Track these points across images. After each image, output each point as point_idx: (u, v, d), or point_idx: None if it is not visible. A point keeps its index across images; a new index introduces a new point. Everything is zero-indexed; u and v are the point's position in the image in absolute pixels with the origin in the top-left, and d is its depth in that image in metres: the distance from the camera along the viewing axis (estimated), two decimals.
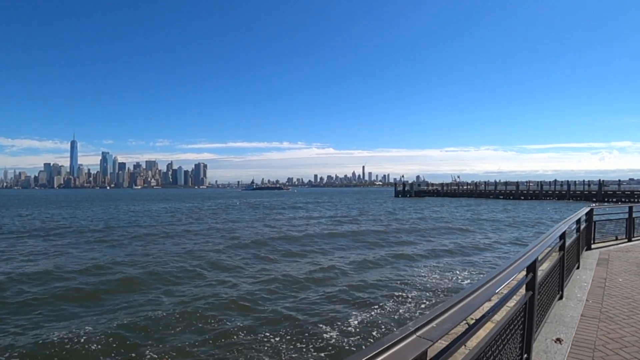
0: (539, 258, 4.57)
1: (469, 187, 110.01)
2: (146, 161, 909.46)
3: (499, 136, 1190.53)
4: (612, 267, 9.99)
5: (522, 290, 4.39)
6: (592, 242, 12.69)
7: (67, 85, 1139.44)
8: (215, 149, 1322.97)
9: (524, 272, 4.33)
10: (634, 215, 15.90)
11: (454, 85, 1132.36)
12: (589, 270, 9.52)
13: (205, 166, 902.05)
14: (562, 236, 6.95)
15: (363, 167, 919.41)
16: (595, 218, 13.49)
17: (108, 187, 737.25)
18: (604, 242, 13.64)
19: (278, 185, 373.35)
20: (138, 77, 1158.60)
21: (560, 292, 7.03)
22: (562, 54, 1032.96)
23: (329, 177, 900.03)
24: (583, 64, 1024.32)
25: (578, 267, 9.63)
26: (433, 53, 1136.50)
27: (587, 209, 11.83)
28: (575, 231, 9.49)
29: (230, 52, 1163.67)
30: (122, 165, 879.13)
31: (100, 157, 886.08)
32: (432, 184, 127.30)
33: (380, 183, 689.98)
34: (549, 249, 6.46)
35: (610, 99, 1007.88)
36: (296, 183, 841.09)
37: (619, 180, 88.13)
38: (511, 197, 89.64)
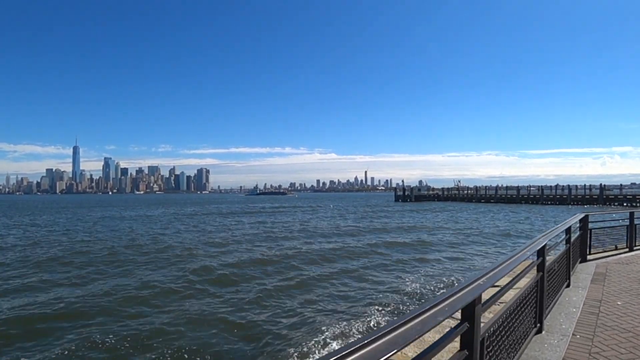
0: (483, 298, 2.98)
1: (469, 191, 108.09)
2: (148, 166, 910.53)
3: (501, 141, 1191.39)
4: (609, 284, 8.42)
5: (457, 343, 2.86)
6: (587, 252, 11.11)
7: (70, 91, 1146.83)
8: (218, 155, 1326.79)
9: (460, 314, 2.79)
10: (635, 222, 14.48)
11: (455, 91, 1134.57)
12: (581, 290, 7.94)
13: (207, 171, 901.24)
14: (542, 252, 5.40)
15: (365, 172, 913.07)
16: (592, 225, 11.98)
17: (110, 193, 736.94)
18: (602, 251, 12.06)
19: (281, 191, 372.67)
20: (141, 83, 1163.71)
21: (539, 325, 5.45)
22: (564, 60, 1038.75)
23: (332, 182, 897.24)
24: (585, 70, 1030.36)
25: (568, 285, 8.06)
26: (435, 59, 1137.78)
27: (582, 216, 10.32)
28: (564, 242, 7.97)
29: (233, 58, 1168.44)
30: (125, 171, 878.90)
31: (102, 163, 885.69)
32: (433, 189, 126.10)
33: (383, 188, 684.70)
34: (523, 265, 4.96)
35: (611, 104, 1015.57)
36: (298, 188, 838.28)
37: (621, 185, 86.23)
38: (512, 202, 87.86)
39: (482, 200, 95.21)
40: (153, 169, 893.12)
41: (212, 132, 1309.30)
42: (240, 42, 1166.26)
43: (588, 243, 11.09)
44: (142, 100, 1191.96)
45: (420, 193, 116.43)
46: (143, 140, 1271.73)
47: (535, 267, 5.40)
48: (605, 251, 12.17)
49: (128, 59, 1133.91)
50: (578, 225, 10.48)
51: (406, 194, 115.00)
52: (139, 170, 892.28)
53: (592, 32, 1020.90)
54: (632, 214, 12.64)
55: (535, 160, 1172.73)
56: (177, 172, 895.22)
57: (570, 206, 73.37)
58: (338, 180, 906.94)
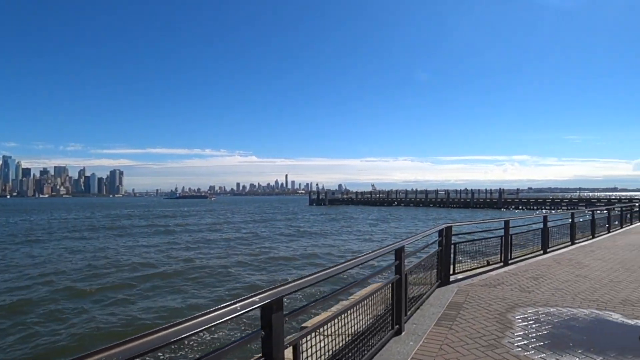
0: None
1: (381, 195, 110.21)
2: (55, 167, 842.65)
3: (416, 148, 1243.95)
4: (460, 324, 6.14)
5: None
6: (451, 272, 8.97)
7: None
8: (133, 155, 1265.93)
9: None
10: (522, 230, 12.94)
11: (373, 98, 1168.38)
12: (413, 340, 5.50)
13: (121, 173, 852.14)
14: (267, 317, 2.78)
15: (286, 175, 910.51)
16: (471, 236, 10.00)
17: (9, 196, 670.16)
18: (473, 268, 9.98)
19: (203, 194, 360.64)
20: (48, 73, 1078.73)
21: None
22: (472, 79, 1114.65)
23: (252, 185, 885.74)
24: (488, 89, 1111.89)
25: (399, 333, 5.66)
26: (356, 67, 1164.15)
27: (442, 227, 8.18)
28: (393, 271, 5.58)
29: (150, 53, 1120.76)
30: (27, 172, 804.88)
31: (0, 162, 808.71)
32: (348, 192, 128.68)
33: (303, 191, 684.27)
34: None
35: (512, 117, 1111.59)
36: (218, 191, 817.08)
37: (517, 189, 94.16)
38: (421, 205, 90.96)
39: (394, 204, 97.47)
40: (60, 170, 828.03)
41: (127, 131, 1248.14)
42: (160, 36, 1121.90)
43: (451, 261, 8.95)
44: (50, 93, 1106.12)
45: (334, 197, 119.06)
46: (49, 138, 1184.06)
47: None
48: (477, 267, 10.16)
49: (32, 46, 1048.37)
50: (437, 239, 8.33)
51: (320, 197, 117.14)
52: (44, 171, 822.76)
53: (496, 56, 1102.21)
54: (507, 222, 10.82)
55: (447, 166, 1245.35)
56: (88, 173, 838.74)
57: (474, 209, 77.09)
58: (258, 183, 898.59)
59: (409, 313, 6.29)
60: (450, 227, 8.54)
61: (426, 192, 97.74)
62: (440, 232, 8.16)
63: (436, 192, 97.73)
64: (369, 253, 4.63)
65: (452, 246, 8.90)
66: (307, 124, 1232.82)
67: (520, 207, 77.90)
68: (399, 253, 5.54)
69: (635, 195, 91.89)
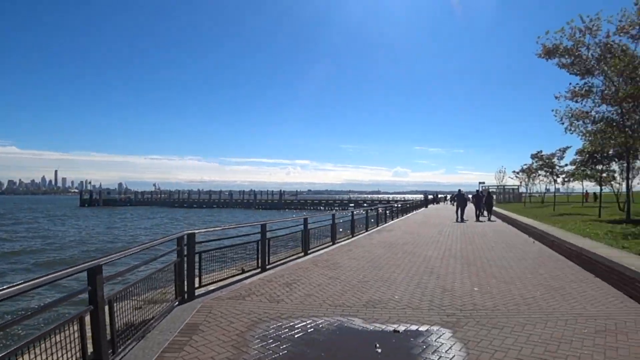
0: None
1: (164, 196, 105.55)
2: None
3: (203, 147, 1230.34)
4: (188, 354, 4.94)
5: None
6: (197, 285, 7.82)
7: None
8: None
9: None
10: (285, 232, 12.64)
11: (159, 93, 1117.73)
12: None
13: None
14: None
15: (56, 171, 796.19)
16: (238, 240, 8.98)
17: None
18: (226, 278, 8.96)
19: None
20: None
21: None
22: (258, 86, 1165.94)
23: (11, 182, 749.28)
24: (274, 95, 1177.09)
25: None
26: (140, 58, 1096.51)
27: (182, 234, 7.08)
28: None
29: None
30: None
31: None
32: (127, 192, 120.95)
33: (76, 190, 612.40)
34: None
35: (295, 125, 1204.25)
36: None
37: (297, 191, 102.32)
38: (205, 206, 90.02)
39: (176, 205, 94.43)
40: None
41: None
42: None
43: (196, 272, 7.80)
44: None
45: (110, 197, 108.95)
46: None
47: None
48: (232, 275, 9.21)
49: None
50: (175, 248, 7.08)
51: (94, 198, 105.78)
52: None
53: (281, 62, 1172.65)
54: (263, 226, 10.25)
55: (234, 167, 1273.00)
56: None
57: (257, 210, 79.42)
58: (20, 180, 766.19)
59: (121, 349, 4.85)
60: (193, 234, 7.37)
61: (210, 193, 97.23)
62: (178, 240, 6.92)
63: (220, 193, 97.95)
64: (22, 284, 3.08)
65: (198, 255, 7.78)
66: (83, 113, 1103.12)
67: (298, 208, 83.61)
68: (93, 276, 4.07)
69: (394, 197, 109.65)
